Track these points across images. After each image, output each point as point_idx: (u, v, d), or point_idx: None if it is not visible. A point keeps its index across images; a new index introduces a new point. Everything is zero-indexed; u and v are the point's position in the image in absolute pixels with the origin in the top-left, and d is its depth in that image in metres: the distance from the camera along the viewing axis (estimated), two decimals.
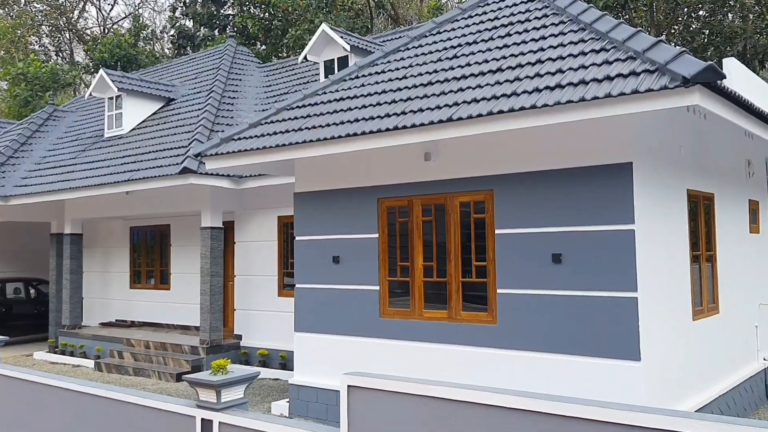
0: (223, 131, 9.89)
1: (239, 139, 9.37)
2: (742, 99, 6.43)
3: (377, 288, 8.76)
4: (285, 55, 26.53)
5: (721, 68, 9.26)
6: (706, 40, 23.89)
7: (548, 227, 7.25)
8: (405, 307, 8.54)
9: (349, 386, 4.39)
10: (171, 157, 12.83)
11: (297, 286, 9.62)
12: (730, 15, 25.32)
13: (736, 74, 9.64)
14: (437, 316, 8.22)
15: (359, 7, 25.98)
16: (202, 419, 5.17)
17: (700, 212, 8.45)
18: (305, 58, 14.21)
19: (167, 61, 23.63)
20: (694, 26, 25.19)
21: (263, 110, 14.49)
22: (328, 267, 9.27)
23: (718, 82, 5.84)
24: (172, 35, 33.52)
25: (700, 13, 26.26)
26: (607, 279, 6.85)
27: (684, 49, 6.05)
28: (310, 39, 21.75)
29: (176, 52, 31.98)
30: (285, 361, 12.56)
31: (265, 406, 10.09)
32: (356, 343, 8.84)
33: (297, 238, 9.66)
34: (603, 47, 6.96)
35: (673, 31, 24.09)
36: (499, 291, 7.63)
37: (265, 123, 9.53)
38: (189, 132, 13.68)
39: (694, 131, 8.35)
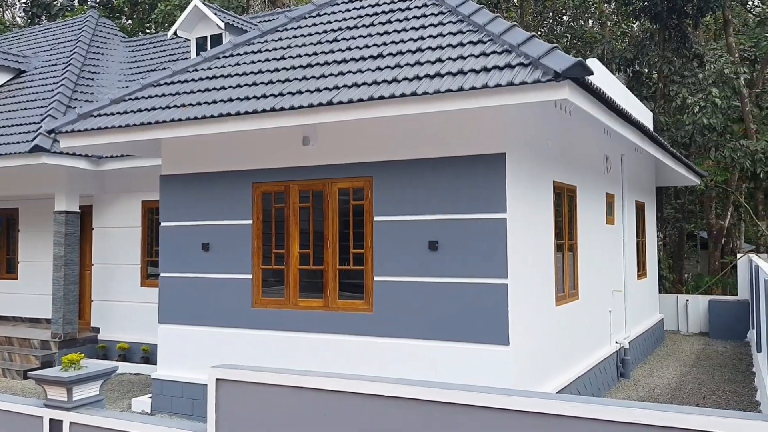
0: (81, 107, 9.07)
1: (99, 115, 8.64)
2: (606, 96, 6.78)
3: (250, 277, 8.42)
4: (153, 30, 25.04)
5: None
6: (568, 43, 25.37)
7: (426, 215, 7.28)
8: (279, 296, 8.28)
9: (217, 380, 4.11)
10: (20, 134, 11.63)
11: (162, 274, 9.06)
12: (590, 21, 27.07)
13: (597, 74, 10.20)
14: (313, 305, 8.04)
15: None
16: (51, 419, 4.66)
17: (564, 203, 8.88)
18: (175, 34, 13.42)
19: (18, 30, 21.46)
20: (558, 30, 26.67)
21: (127, 87, 13.53)
22: (196, 255, 8.80)
23: (586, 78, 6.10)
24: (24, 2, 30.58)
25: (564, 18, 27.89)
26: (480, 266, 7.00)
27: (555, 45, 6.27)
28: (179, 14, 20.65)
29: (29, 21, 29.22)
30: (148, 355, 11.84)
31: (125, 403, 9.43)
32: (227, 335, 8.47)
33: (163, 223, 9.09)
34: (480, 39, 7.07)
35: (539, 33, 25.34)
36: (376, 279, 7.58)
37: (129, 99, 8.86)
38: (42, 107, 12.47)
39: (561, 127, 8.74)
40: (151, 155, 10.07)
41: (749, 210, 17.88)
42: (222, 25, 12.62)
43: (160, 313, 8.99)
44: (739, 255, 16.76)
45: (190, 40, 13.86)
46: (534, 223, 7.71)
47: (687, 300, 16.28)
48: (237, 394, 4.02)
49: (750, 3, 21.64)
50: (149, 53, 15.66)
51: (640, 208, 13.61)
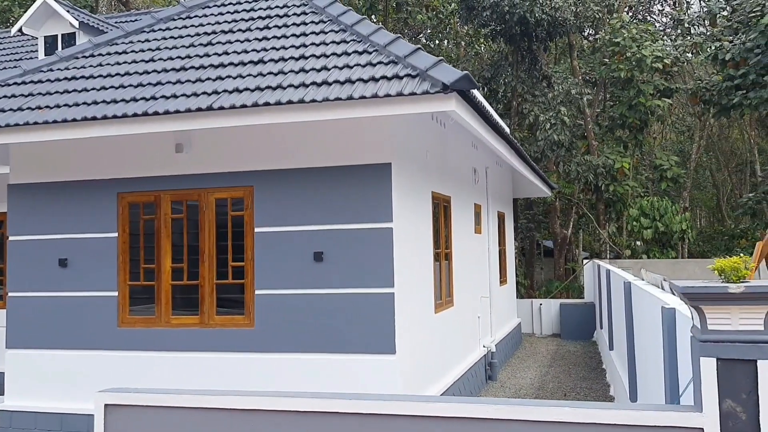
0: None
1: None
2: (486, 109, 7.07)
3: (115, 294, 7.79)
4: None
5: None
6: None
7: (310, 225, 7.15)
8: (149, 314, 7.72)
9: (106, 405, 3.72)
10: None
11: (10, 294, 8.13)
12: (446, 41, 28.31)
13: None
14: (187, 322, 7.58)
15: None
16: None
17: (441, 213, 9.13)
18: (20, 31, 12.21)
19: None
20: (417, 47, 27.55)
21: None
22: (52, 271, 7.99)
23: (470, 91, 6.32)
24: None
25: (421, 36, 28.96)
26: (366, 276, 6.98)
27: (441, 58, 6.44)
28: (20, 12, 18.92)
29: None
30: None
31: None
32: (89, 357, 7.75)
33: (11, 237, 8.17)
34: (365, 49, 7.10)
35: None
36: (257, 292, 7.31)
37: None
38: None
39: (436, 139, 9.00)
40: None
41: (593, 219, 19.52)
42: (75, 23, 11.67)
43: (9, 336, 8.04)
44: (585, 261, 18.22)
45: (37, 38, 12.68)
46: (416, 233, 7.84)
47: (540, 304, 17.40)
48: (130, 420, 3.66)
49: (587, 31, 23.76)
50: None
51: (501, 218, 14.37)
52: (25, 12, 16.08)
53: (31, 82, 8.03)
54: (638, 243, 19.74)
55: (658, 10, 28.17)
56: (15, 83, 8.07)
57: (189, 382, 7.33)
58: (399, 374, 6.88)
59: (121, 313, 7.79)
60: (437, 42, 29.31)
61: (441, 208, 9.11)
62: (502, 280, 14.29)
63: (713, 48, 17.58)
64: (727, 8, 18.58)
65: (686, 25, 21.01)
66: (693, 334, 2.95)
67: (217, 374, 7.32)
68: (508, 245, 15.62)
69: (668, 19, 26.10)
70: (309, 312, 7.12)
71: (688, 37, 20.72)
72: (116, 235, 7.82)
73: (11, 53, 13.65)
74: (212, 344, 7.41)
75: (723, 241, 26.16)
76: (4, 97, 7.78)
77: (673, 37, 22.66)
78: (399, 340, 6.95)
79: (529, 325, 17.38)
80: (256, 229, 7.34)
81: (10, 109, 7.44)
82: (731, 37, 17.54)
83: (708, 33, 19.85)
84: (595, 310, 16.14)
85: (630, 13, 23.96)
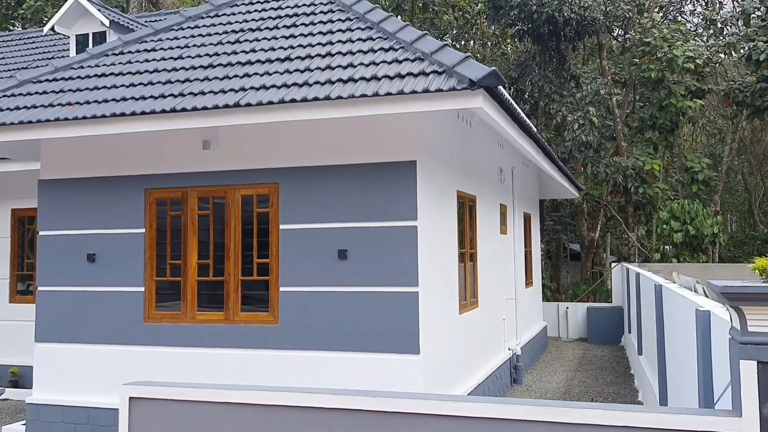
0: None
1: None
2: (514, 107, 6.97)
3: (142, 289, 7.84)
4: (19, 27, 23.11)
5: None
6: None
7: (335, 223, 7.11)
8: (175, 310, 7.76)
9: (131, 398, 3.72)
10: None
11: (40, 288, 8.24)
12: (472, 42, 28.14)
13: None
14: (213, 318, 7.60)
15: None
16: None
17: (466, 213, 9.04)
18: (53, 29, 12.40)
19: None
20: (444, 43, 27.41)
21: None
22: (81, 266, 8.07)
23: (498, 87, 6.23)
24: None
25: (446, 37, 28.84)
26: (390, 274, 6.92)
27: (468, 54, 6.36)
28: (51, 11, 19.24)
29: None
30: (17, 378, 10.72)
31: None
32: (116, 352, 7.81)
33: (41, 232, 8.27)
34: (392, 46, 7.05)
35: None
36: (281, 289, 7.30)
37: (4, 96, 8.02)
38: None
39: (462, 137, 8.91)
40: (27, 158, 9.18)
41: (622, 222, 19.21)
42: (106, 22, 11.81)
43: (38, 330, 8.15)
44: (613, 264, 17.94)
45: (69, 36, 12.86)
46: (440, 232, 7.77)
47: (567, 308, 17.17)
48: (154, 414, 3.65)
49: (616, 31, 23.44)
50: (19, 49, 14.39)
51: (527, 220, 14.20)
52: (57, 11, 16.32)
53: (62, 79, 8.12)
54: (667, 246, 19.39)
55: (690, 10, 27.70)
56: (47, 80, 8.17)
57: (214, 378, 7.35)
58: (422, 375, 6.81)
59: (147, 309, 7.84)
60: (463, 42, 29.16)
61: (466, 208, 9.02)
62: (528, 282, 14.12)
63: (747, 48, 17.20)
64: (762, 8, 18.17)
65: (719, 25, 20.59)
66: (732, 336, 2.84)
67: (242, 371, 7.32)
68: (534, 247, 15.43)
69: (700, 19, 25.63)
70: (333, 310, 7.08)
71: (721, 38, 20.30)
72: (143, 231, 7.87)
73: (43, 51, 13.87)
74: (237, 341, 7.42)
75: (756, 245, 25.58)
76: (36, 93, 7.88)
77: (705, 37, 22.23)
78: (423, 340, 6.88)
79: (555, 328, 17.16)
80: (281, 226, 7.33)
81: (42, 105, 7.54)
82: (765, 38, 17.15)
83: (741, 33, 19.42)
84: (623, 314, 15.88)
85: (661, 13, 23.56)
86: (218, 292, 7.63)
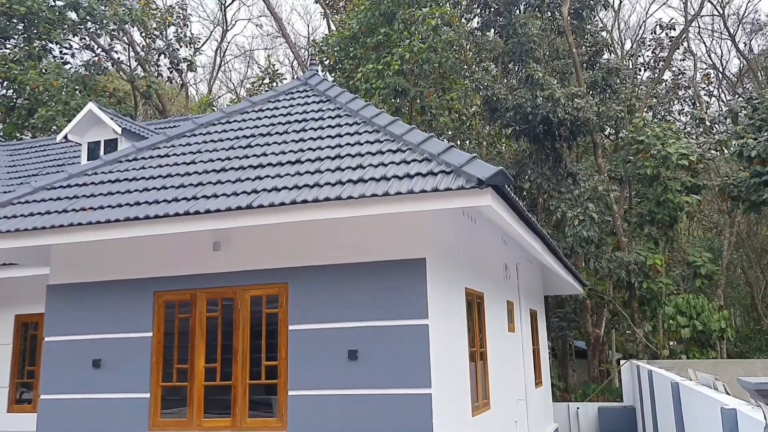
0: None
1: None
2: (520, 204, 7.10)
3: (147, 396, 7.66)
4: (31, 135, 23.83)
5: None
6: None
7: (344, 322, 7.06)
8: (180, 416, 7.55)
9: None
10: None
11: (42, 397, 8.04)
12: (468, 142, 28.96)
13: None
14: (219, 425, 7.38)
15: (122, 94, 24.64)
16: None
17: (474, 310, 8.98)
18: (66, 137, 12.80)
19: None
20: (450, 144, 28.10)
21: (5, 192, 12.58)
22: (85, 373, 7.92)
23: (505, 186, 6.38)
24: None
25: (443, 138, 29.69)
26: (402, 375, 6.79)
27: (475, 154, 6.56)
28: (63, 120, 19.87)
29: None
30: None
31: None
32: None
33: (47, 338, 8.18)
34: (399, 148, 7.27)
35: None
36: (290, 393, 7.13)
37: (18, 203, 8.17)
38: None
39: (468, 234, 9.01)
40: (35, 264, 9.21)
41: (627, 317, 19.01)
42: (119, 130, 12.22)
43: None
44: (622, 362, 17.59)
45: (80, 144, 13.25)
46: (451, 330, 7.69)
47: (578, 408, 16.68)
48: None
49: (608, 131, 24.18)
50: (30, 157, 14.78)
51: (533, 316, 14.07)
52: (68, 121, 16.92)
53: (76, 185, 8.31)
54: (673, 342, 19.09)
55: (678, 110, 28.70)
56: (60, 186, 8.35)
57: None
58: None
59: (152, 416, 7.63)
60: (459, 142, 29.97)
61: (474, 305, 8.97)
62: (538, 381, 13.79)
63: (737, 145, 17.69)
64: (748, 107, 18.84)
65: (708, 123, 21.28)
66: None
67: None
68: (542, 344, 15.20)
69: (688, 119, 26.51)
70: (343, 414, 6.89)
71: (711, 135, 20.93)
72: (151, 334, 7.79)
73: (54, 159, 14.24)
74: None
75: (763, 340, 25.19)
76: (50, 200, 8.03)
77: (695, 135, 22.90)
78: None
79: (566, 430, 16.59)
80: (290, 327, 7.27)
81: (56, 211, 7.66)
82: (755, 135, 17.68)
83: (731, 131, 20.05)
84: (635, 413, 15.41)
85: (650, 113, 24.41)
86: (225, 397, 7.45)
